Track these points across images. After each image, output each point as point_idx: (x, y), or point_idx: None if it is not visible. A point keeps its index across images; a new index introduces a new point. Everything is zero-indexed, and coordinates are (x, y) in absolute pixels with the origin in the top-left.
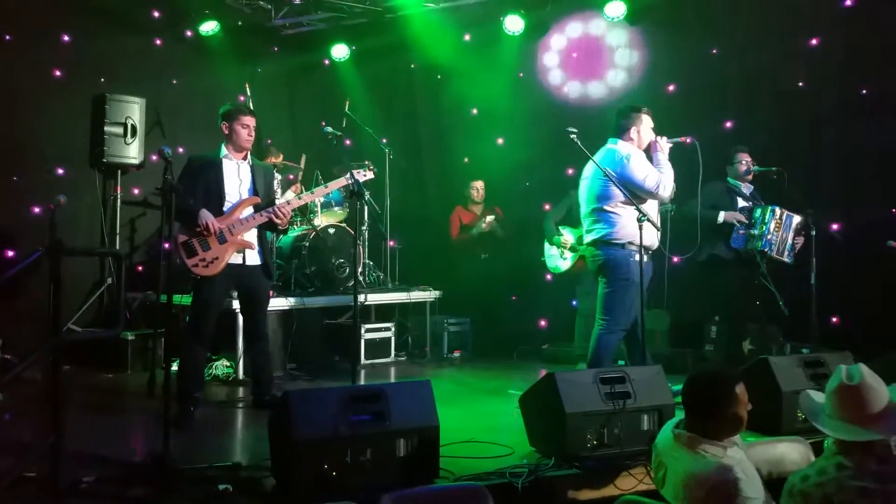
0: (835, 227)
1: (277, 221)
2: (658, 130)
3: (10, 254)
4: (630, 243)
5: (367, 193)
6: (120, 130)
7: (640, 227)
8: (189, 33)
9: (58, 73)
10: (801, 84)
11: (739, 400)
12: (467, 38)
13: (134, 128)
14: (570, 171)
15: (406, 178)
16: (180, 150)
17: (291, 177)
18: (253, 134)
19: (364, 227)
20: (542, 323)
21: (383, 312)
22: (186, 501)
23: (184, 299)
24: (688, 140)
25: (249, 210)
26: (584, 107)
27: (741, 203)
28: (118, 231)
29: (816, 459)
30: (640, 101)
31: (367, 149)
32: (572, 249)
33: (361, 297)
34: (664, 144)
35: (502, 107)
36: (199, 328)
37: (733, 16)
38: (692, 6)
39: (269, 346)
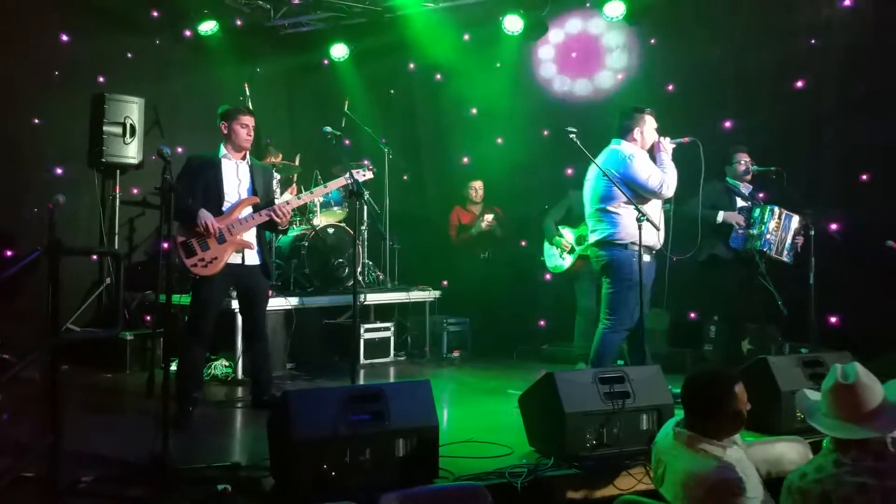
0: (833, 226)
1: (277, 221)
2: (658, 130)
3: (9, 253)
4: (633, 243)
5: (366, 193)
6: (119, 130)
7: (640, 227)
8: (188, 33)
9: (57, 72)
10: (800, 84)
11: (739, 399)
12: (466, 37)
13: (133, 127)
14: (570, 171)
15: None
16: (179, 149)
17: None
18: (252, 134)
19: (363, 227)
20: (542, 323)
21: (382, 312)
22: (185, 501)
23: (183, 299)
24: (687, 140)
25: (248, 210)
26: (583, 107)
27: (740, 203)
28: (117, 231)
29: (814, 457)
30: (640, 100)
31: (367, 148)
32: (572, 250)
33: (361, 297)
34: (667, 145)
35: (501, 106)
36: (198, 328)
37: (733, 16)
38: (691, 6)
39: (268, 345)
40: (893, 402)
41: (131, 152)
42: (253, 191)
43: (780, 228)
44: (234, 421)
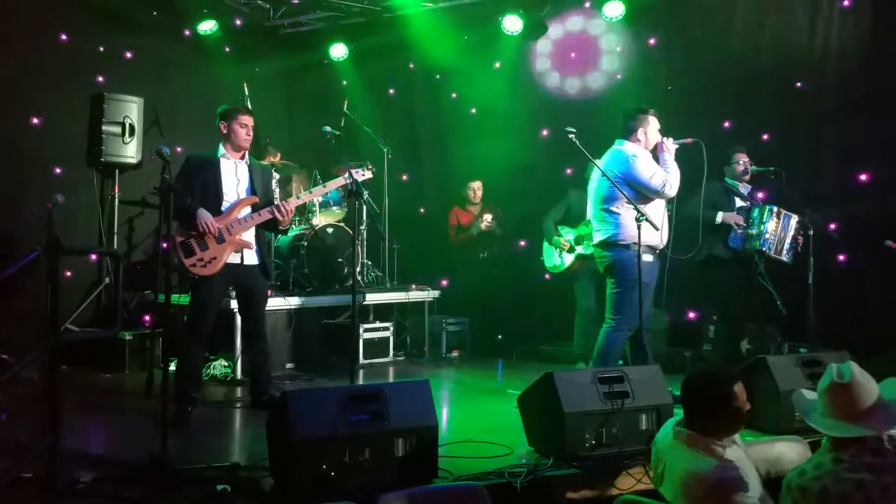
0: (832, 226)
1: (280, 219)
2: (661, 131)
3: (8, 253)
4: (635, 244)
5: (365, 193)
6: (118, 130)
7: (639, 227)
8: (187, 32)
9: (55, 71)
10: (799, 84)
11: (738, 398)
12: (466, 37)
13: (132, 127)
14: (569, 171)
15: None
16: (178, 149)
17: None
18: (251, 133)
19: (362, 227)
20: (541, 322)
21: (382, 312)
22: (185, 502)
23: (182, 299)
24: (690, 141)
25: (247, 210)
26: (582, 106)
27: (739, 203)
28: (116, 230)
29: (813, 455)
30: (639, 101)
31: (366, 148)
32: (570, 249)
33: (360, 297)
34: (670, 145)
35: (501, 106)
36: (197, 328)
37: (732, 16)
38: (691, 6)
39: (267, 345)
40: (889, 400)
41: (130, 152)
42: (252, 190)
43: (780, 228)
44: (234, 421)
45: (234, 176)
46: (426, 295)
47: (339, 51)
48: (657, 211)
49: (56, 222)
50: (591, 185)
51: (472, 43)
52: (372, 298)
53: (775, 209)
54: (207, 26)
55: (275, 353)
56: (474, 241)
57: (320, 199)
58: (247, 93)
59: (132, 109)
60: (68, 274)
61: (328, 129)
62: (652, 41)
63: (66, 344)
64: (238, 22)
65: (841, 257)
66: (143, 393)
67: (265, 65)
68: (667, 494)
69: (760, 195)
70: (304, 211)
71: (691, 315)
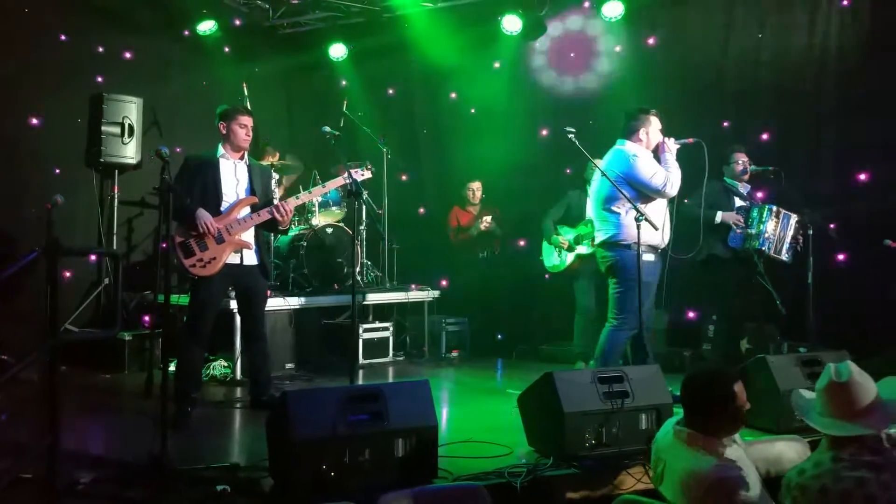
0: (831, 226)
1: (279, 219)
2: (663, 131)
3: (7, 254)
4: (636, 243)
5: (364, 193)
6: (117, 130)
7: (639, 227)
8: (186, 33)
9: (55, 72)
10: (798, 84)
11: (738, 398)
12: (465, 37)
13: (131, 127)
14: (569, 171)
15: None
16: (178, 149)
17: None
18: (251, 134)
19: (362, 227)
20: (541, 322)
21: (381, 312)
22: (184, 502)
23: (181, 299)
24: (691, 141)
25: (246, 210)
26: (581, 106)
27: (738, 202)
28: (115, 231)
29: (812, 454)
30: (637, 100)
31: (365, 148)
32: (569, 249)
33: (359, 297)
34: (672, 145)
35: (500, 106)
36: (196, 328)
37: (731, 15)
38: (690, 6)
39: (266, 346)
40: (887, 399)
41: (129, 152)
42: (251, 191)
43: (779, 227)
44: (233, 421)
45: (233, 176)
46: (426, 295)
47: (338, 51)
48: (658, 211)
49: (55, 223)
50: (593, 186)
51: (471, 43)
52: (371, 298)
53: (774, 209)
54: (207, 26)
55: (274, 354)
56: (474, 241)
57: (319, 199)
58: (246, 93)
59: (131, 110)
60: (68, 274)
61: (327, 129)
62: (651, 41)
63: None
64: (237, 22)
65: (840, 257)
66: (142, 393)
67: (264, 65)
68: (667, 494)
69: (760, 195)
70: (303, 211)
71: (691, 315)
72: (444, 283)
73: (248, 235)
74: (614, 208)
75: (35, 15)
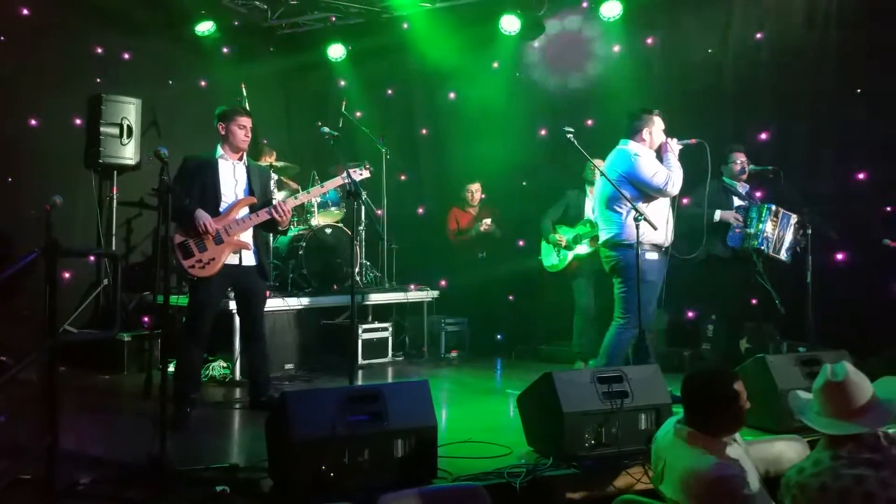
0: (832, 232)
1: (278, 220)
2: (665, 132)
3: (6, 255)
4: (639, 243)
5: (364, 193)
6: (116, 131)
7: (638, 226)
8: (185, 33)
9: (54, 72)
10: (797, 83)
11: (739, 397)
12: (463, 37)
13: (130, 128)
14: (567, 171)
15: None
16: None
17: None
18: (249, 135)
19: (361, 227)
20: (540, 322)
21: (380, 312)
22: (183, 503)
23: (180, 300)
24: (694, 141)
25: (245, 210)
26: (580, 106)
27: (737, 202)
28: (114, 232)
29: (811, 453)
30: (636, 101)
31: (364, 149)
32: (567, 247)
33: (359, 298)
34: (675, 146)
35: (499, 106)
36: (195, 329)
37: (729, 15)
38: (688, 6)
39: (266, 346)
40: (883, 398)
41: (128, 153)
42: (249, 191)
43: (778, 227)
44: (233, 422)
45: (231, 177)
46: (425, 295)
47: (336, 51)
48: (661, 210)
49: (54, 223)
50: (596, 185)
51: (470, 43)
52: (371, 299)
53: (773, 208)
54: (205, 27)
55: (273, 354)
56: (473, 242)
57: (318, 199)
58: (245, 93)
59: (130, 110)
60: (67, 275)
61: (326, 129)
62: (650, 41)
63: (64, 345)
64: (236, 23)
65: (839, 256)
66: (141, 394)
67: (263, 65)
68: (667, 492)
69: (759, 195)
70: (302, 212)
71: (690, 314)
72: (443, 283)
73: (247, 236)
74: (617, 208)
75: (34, 15)
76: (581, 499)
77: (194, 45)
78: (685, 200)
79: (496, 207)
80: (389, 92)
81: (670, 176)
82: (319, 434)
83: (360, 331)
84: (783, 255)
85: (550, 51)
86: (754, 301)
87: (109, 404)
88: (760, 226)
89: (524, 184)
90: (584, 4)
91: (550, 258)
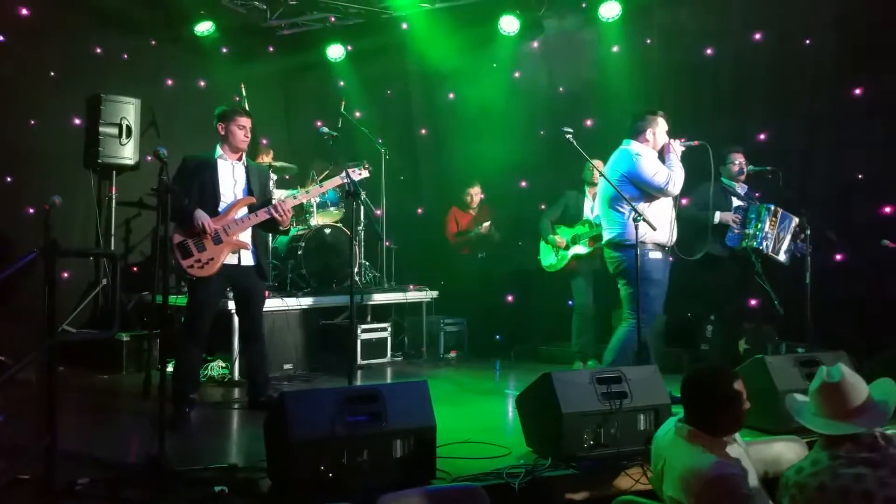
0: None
1: (278, 218)
2: (668, 133)
3: (5, 254)
4: (642, 242)
5: (363, 193)
6: (115, 131)
7: (636, 227)
8: (184, 34)
9: (53, 73)
10: (795, 84)
11: (739, 396)
12: (463, 38)
13: (129, 128)
14: (567, 172)
15: (402, 177)
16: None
17: (287, 177)
18: (249, 135)
19: (360, 227)
20: (539, 322)
21: (380, 313)
22: (182, 503)
23: (179, 300)
24: (696, 143)
25: (244, 210)
26: (579, 107)
27: (736, 202)
28: (113, 232)
29: (809, 453)
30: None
31: (363, 149)
32: (566, 248)
33: (358, 298)
34: (677, 147)
35: (498, 107)
36: (194, 329)
37: (728, 16)
38: (687, 7)
39: (264, 346)
40: (878, 399)
41: (127, 153)
42: (249, 191)
43: (777, 227)
44: (231, 422)
45: (231, 177)
46: (424, 295)
47: (336, 51)
48: (664, 209)
49: (53, 223)
50: (600, 185)
51: (469, 43)
52: (370, 299)
53: (772, 208)
54: (204, 27)
55: (272, 354)
56: (472, 242)
57: (318, 199)
58: (244, 94)
59: (129, 110)
60: (66, 275)
61: (325, 129)
62: (648, 41)
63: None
64: (235, 23)
65: (838, 257)
66: (140, 394)
67: (262, 66)
68: (667, 490)
69: (757, 195)
70: (301, 212)
71: (689, 315)
72: (442, 283)
73: (246, 236)
74: (620, 208)
75: (34, 15)
76: (580, 499)
77: (193, 45)
78: (684, 201)
79: (495, 208)
80: (388, 92)
81: (671, 176)
82: (318, 434)
83: (359, 331)
84: (782, 257)
85: (551, 53)
86: (753, 302)
87: (108, 404)
88: (759, 226)
89: (523, 184)
90: (584, 5)
91: (549, 258)
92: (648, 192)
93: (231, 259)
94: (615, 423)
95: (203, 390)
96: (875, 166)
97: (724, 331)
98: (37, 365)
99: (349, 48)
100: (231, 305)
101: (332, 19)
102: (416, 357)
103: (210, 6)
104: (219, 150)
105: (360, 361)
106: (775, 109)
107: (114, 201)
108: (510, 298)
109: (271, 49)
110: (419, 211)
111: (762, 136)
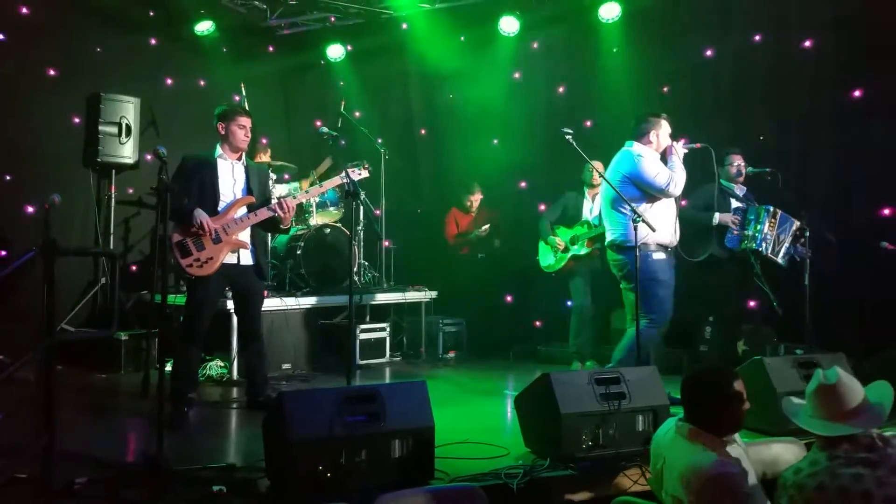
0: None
1: (281, 215)
2: (671, 136)
3: (3, 253)
4: (644, 244)
5: (362, 193)
6: (114, 130)
7: (636, 228)
8: (184, 33)
9: (52, 71)
10: (794, 85)
11: (739, 397)
12: (462, 38)
13: (129, 127)
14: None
15: (401, 178)
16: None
17: (287, 176)
18: (249, 135)
19: (359, 227)
20: (538, 323)
21: (378, 313)
22: (180, 502)
23: (178, 299)
24: (699, 146)
25: (243, 210)
26: (579, 107)
27: (735, 204)
28: (112, 231)
29: (807, 454)
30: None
31: (363, 149)
32: (565, 250)
33: (357, 298)
34: (680, 149)
35: (498, 107)
36: (193, 328)
37: (727, 17)
38: (687, 7)
39: (263, 346)
40: (874, 402)
41: (127, 152)
42: (248, 191)
43: (776, 228)
44: (230, 422)
45: (230, 176)
46: (423, 295)
47: (335, 51)
48: (668, 210)
49: (52, 222)
50: (602, 187)
51: (469, 44)
52: (369, 299)
53: (771, 209)
54: (204, 27)
55: (271, 354)
56: (472, 244)
57: (317, 199)
58: (244, 93)
59: (129, 110)
60: (64, 274)
61: (325, 129)
62: (648, 42)
63: (61, 344)
64: (235, 22)
65: (837, 258)
66: (138, 393)
67: (262, 65)
68: (667, 489)
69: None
70: (301, 212)
71: (688, 316)
72: (441, 283)
73: (245, 235)
74: (622, 209)
75: (34, 15)
76: (578, 500)
77: (193, 44)
78: (683, 203)
79: (495, 211)
80: (388, 92)
81: (673, 177)
82: (317, 434)
83: (357, 331)
84: (780, 259)
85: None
86: (752, 303)
87: (106, 403)
88: (758, 227)
89: (522, 184)
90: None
91: (547, 258)
92: (650, 192)
93: (230, 258)
94: (614, 423)
95: (201, 390)
96: (874, 167)
97: (723, 332)
98: (35, 364)
99: (349, 48)
100: (230, 305)
101: (332, 19)
102: (414, 357)
103: (210, 6)
104: (218, 150)
105: (358, 361)
106: (774, 110)
107: (113, 200)
108: (509, 299)
109: (271, 49)
110: (419, 211)
111: (761, 137)
